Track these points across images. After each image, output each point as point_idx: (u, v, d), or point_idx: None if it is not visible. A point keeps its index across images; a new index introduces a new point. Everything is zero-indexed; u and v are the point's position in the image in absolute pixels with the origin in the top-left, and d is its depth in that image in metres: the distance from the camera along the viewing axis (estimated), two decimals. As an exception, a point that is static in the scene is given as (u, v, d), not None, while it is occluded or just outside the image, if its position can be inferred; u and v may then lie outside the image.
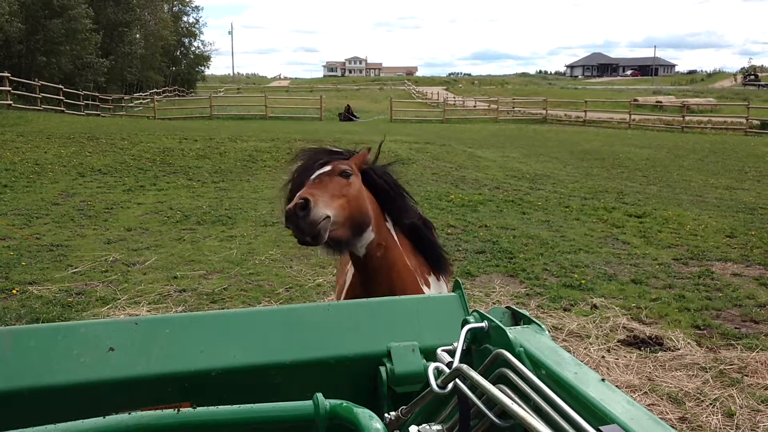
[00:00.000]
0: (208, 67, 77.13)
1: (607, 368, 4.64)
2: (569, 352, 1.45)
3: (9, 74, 26.36)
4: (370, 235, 2.53)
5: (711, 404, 4.12)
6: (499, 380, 1.14)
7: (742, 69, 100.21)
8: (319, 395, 1.13)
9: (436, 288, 2.75)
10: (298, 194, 2.34)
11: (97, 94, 39.80)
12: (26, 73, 31.74)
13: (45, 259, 7.06)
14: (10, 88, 26.42)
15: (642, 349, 5.02)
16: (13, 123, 21.64)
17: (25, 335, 1.35)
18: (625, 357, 4.85)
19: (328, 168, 2.49)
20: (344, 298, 2.66)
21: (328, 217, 2.30)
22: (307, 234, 2.27)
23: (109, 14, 45.59)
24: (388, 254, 2.57)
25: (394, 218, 2.65)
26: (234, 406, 1.10)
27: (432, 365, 1.20)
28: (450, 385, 1.14)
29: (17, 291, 6.03)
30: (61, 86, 33.02)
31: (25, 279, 6.37)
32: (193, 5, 71.37)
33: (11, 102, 26.11)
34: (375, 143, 2.89)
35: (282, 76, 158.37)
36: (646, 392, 4.28)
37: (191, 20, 70.75)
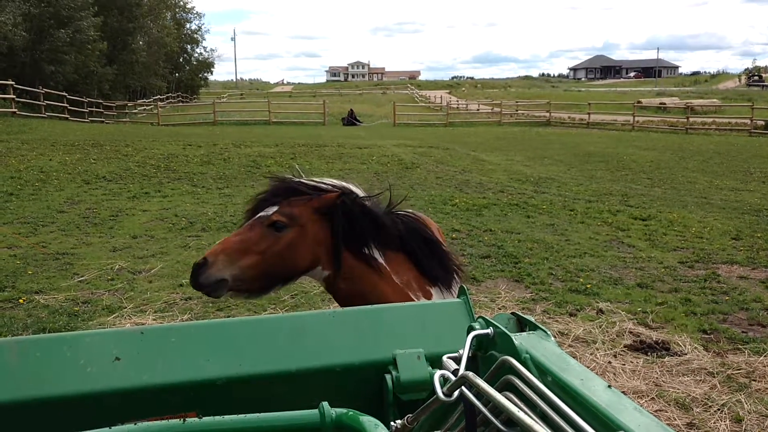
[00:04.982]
0: (211, 74, 77.40)
1: (614, 374, 4.62)
2: (575, 357, 1.45)
3: (13, 82, 26.50)
4: (320, 273, 2.60)
5: (719, 410, 4.10)
6: (505, 387, 1.14)
7: (746, 70, 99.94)
8: (325, 404, 1.12)
9: (441, 298, 2.73)
10: (211, 249, 2.48)
11: (101, 101, 40.01)
12: (30, 81, 31.91)
13: (51, 268, 7.08)
14: (14, 96, 26.57)
15: (649, 354, 4.99)
16: (18, 131, 21.75)
17: (31, 345, 1.36)
18: (632, 362, 4.83)
19: (268, 213, 2.53)
20: None
21: (224, 280, 2.41)
22: (198, 290, 2.43)
23: (113, 23, 45.83)
24: (357, 283, 2.58)
25: (380, 245, 2.64)
26: (240, 415, 1.10)
27: (438, 373, 1.19)
28: (456, 393, 1.14)
29: (24, 300, 6.05)
30: (65, 94, 33.23)
31: (31, 288, 6.39)
32: (195, 12, 71.67)
33: (16, 110, 26.27)
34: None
35: (285, 82, 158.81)
36: (653, 398, 4.26)
37: (194, 27, 71.08)
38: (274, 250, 2.48)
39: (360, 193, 2.70)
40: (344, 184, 2.71)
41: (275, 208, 2.54)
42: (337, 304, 2.72)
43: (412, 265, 2.71)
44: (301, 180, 2.71)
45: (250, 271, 2.45)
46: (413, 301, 2.61)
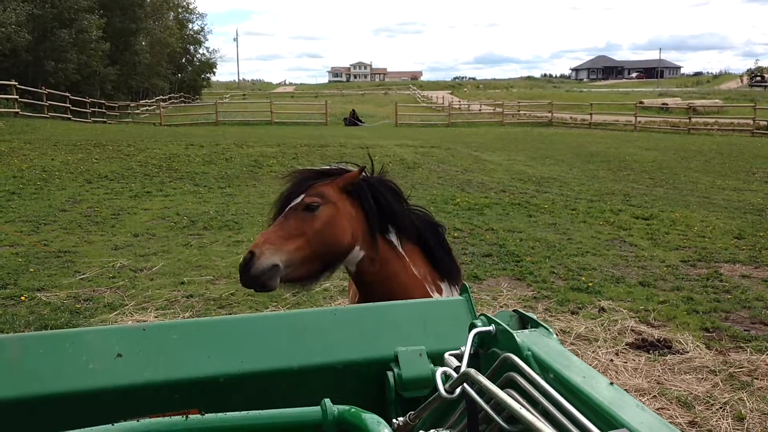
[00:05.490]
0: (213, 74, 77.35)
1: (616, 372, 4.62)
2: (577, 355, 1.44)
3: (16, 83, 26.53)
4: (357, 254, 2.58)
5: (721, 408, 4.09)
6: (507, 384, 1.14)
7: (748, 70, 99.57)
8: (327, 401, 1.12)
9: (449, 294, 2.72)
10: (253, 244, 2.47)
11: (103, 102, 40.05)
12: (33, 82, 31.95)
13: (53, 266, 7.09)
14: (17, 96, 26.61)
15: (650, 352, 4.99)
16: (21, 131, 21.78)
17: (34, 342, 1.36)
18: (634, 360, 4.82)
19: (298, 200, 2.54)
20: None
21: (276, 265, 2.39)
22: (251, 287, 2.40)
23: (116, 23, 45.85)
24: (385, 267, 2.58)
25: (397, 228, 2.63)
26: (242, 412, 1.10)
27: (440, 370, 1.19)
28: (458, 390, 1.14)
29: (26, 298, 6.06)
30: (67, 94, 33.27)
31: (33, 285, 6.40)
32: (197, 12, 71.61)
33: (18, 110, 26.29)
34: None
35: (287, 82, 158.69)
36: (655, 396, 4.26)
37: (196, 27, 71.05)
38: (314, 229, 2.48)
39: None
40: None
41: (303, 194, 2.56)
42: (338, 302, 2.72)
43: (426, 259, 2.71)
44: (322, 166, 2.73)
45: (299, 254, 2.45)
46: (430, 293, 2.62)
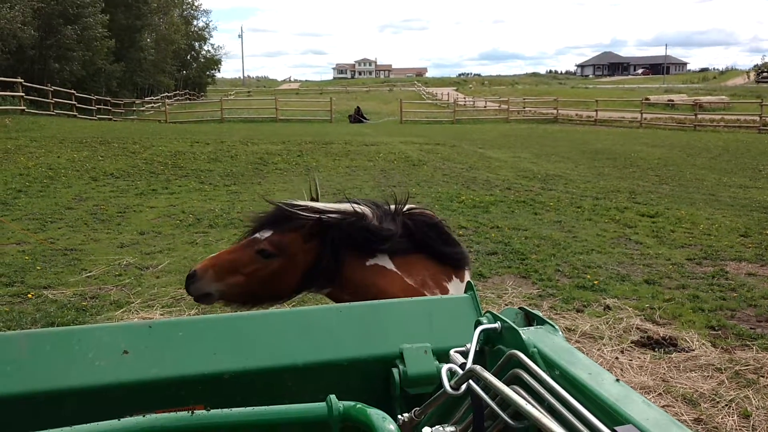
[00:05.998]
0: (218, 71, 77.55)
1: (621, 369, 4.61)
2: (583, 353, 1.44)
3: (22, 80, 26.63)
4: (319, 291, 2.63)
5: (726, 405, 4.08)
6: (513, 381, 1.14)
7: (755, 66, 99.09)
8: (333, 397, 1.13)
9: (458, 291, 2.64)
10: (203, 262, 2.57)
11: (109, 99, 40.17)
12: (39, 79, 32.07)
13: (59, 263, 7.12)
14: (23, 94, 26.72)
15: (656, 350, 4.98)
16: (27, 128, 21.88)
17: (41, 339, 1.37)
18: (639, 358, 4.82)
19: (262, 236, 2.54)
20: None
21: (210, 294, 2.51)
22: (191, 296, 2.56)
23: (121, 20, 45.95)
24: (364, 294, 2.44)
25: (392, 252, 2.54)
26: (247, 408, 1.10)
27: (445, 366, 1.19)
28: (463, 387, 1.14)
29: (32, 295, 6.09)
30: (73, 91, 33.39)
31: (40, 283, 6.43)
32: (202, 9, 71.88)
33: (24, 107, 26.41)
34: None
35: (292, 79, 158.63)
36: (660, 393, 4.25)
37: (201, 24, 71.25)
38: (259, 275, 2.51)
39: (362, 209, 2.57)
40: (348, 206, 2.57)
41: (269, 234, 2.55)
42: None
43: (428, 261, 2.60)
44: (299, 208, 2.56)
45: (236, 289, 2.52)
46: None
